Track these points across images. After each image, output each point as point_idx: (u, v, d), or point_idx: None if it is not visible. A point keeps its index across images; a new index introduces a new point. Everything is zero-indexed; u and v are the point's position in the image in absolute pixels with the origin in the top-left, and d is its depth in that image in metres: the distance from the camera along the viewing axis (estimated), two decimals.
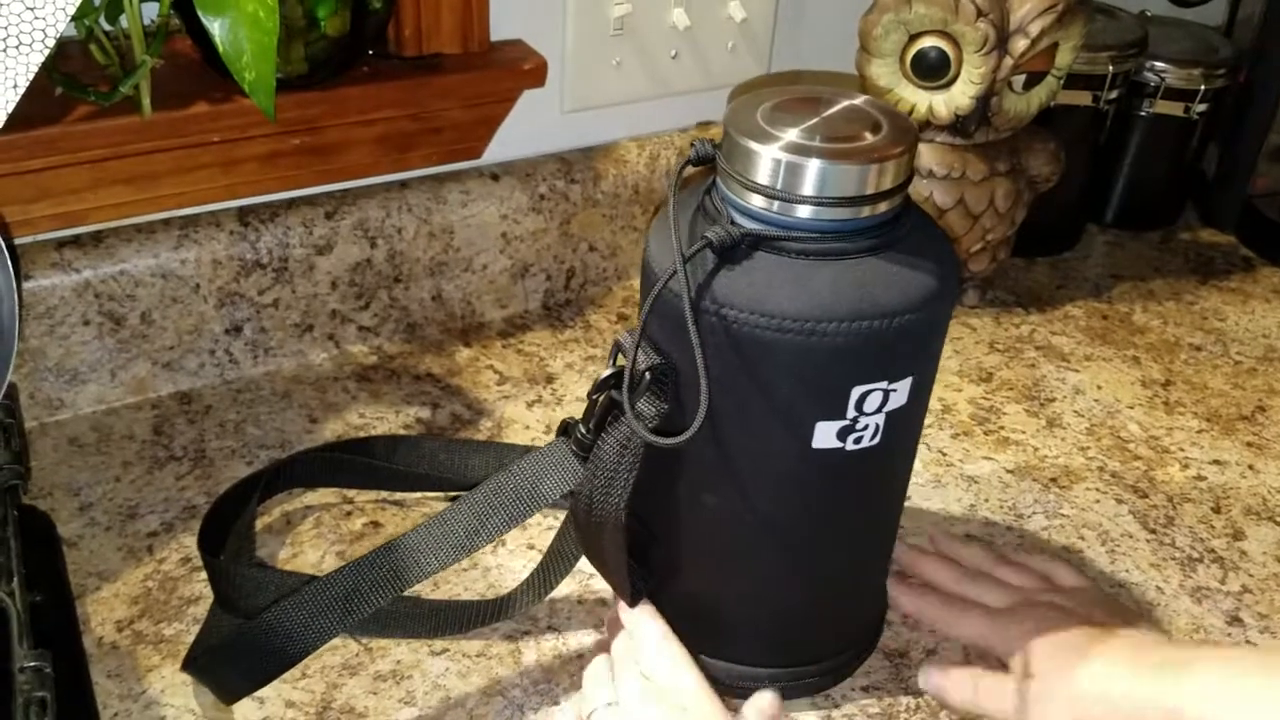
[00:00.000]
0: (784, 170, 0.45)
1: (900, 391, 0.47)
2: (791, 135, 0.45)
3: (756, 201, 0.46)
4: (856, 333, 0.44)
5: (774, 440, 0.48)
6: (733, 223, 0.46)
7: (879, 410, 0.47)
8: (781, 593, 0.54)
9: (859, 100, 0.49)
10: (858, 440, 0.47)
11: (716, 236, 0.45)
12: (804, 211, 0.45)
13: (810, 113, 0.47)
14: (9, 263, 0.48)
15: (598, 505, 0.50)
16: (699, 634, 0.55)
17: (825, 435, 0.47)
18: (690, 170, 0.49)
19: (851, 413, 0.46)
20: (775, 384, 0.46)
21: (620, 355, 0.47)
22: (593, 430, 0.50)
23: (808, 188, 0.45)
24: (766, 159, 0.45)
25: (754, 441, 0.48)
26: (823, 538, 0.52)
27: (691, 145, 0.49)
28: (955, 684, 0.57)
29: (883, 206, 0.46)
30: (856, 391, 0.46)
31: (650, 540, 0.55)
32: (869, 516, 0.53)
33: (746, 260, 0.46)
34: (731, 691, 0.56)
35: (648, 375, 0.47)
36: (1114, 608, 0.59)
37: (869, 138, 0.46)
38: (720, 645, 0.56)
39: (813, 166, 0.44)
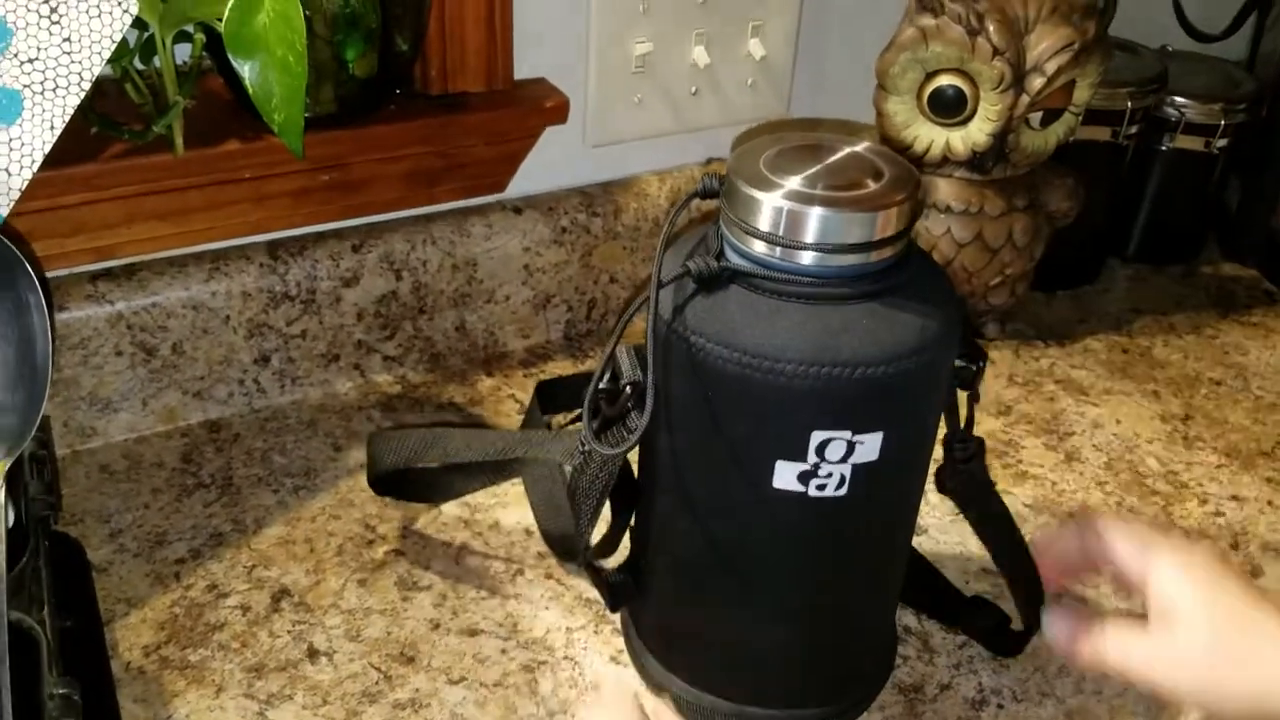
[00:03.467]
0: (782, 217, 0.46)
1: (869, 445, 0.47)
2: (790, 183, 0.46)
3: (753, 244, 0.47)
4: (815, 377, 0.45)
5: (735, 472, 0.48)
6: (720, 257, 0.48)
7: (843, 460, 0.47)
8: (749, 629, 0.54)
9: (861, 147, 0.50)
10: (821, 487, 0.47)
11: (696, 267, 0.47)
12: (801, 256, 0.46)
13: (812, 160, 0.48)
14: (44, 304, 0.50)
15: (579, 501, 0.53)
16: (674, 658, 0.56)
17: (785, 476, 0.47)
18: (695, 202, 0.51)
19: (812, 458, 0.47)
20: (737, 417, 0.47)
21: (613, 370, 0.49)
22: (586, 437, 0.52)
23: (805, 234, 0.45)
24: (766, 205, 0.46)
25: (716, 471, 0.49)
26: (789, 579, 0.52)
27: (701, 179, 0.50)
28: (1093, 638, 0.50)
29: (873, 255, 0.46)
30: (817, 436, 0.46)
31: (640, 556, 0.57)
32: (845, 565, 0.52)
33: (723, 293, 0.47)
34: None
35: (628, 389, 0.49)
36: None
37: (870, 185, 0.47)
38: (698, 676, 0.56)
39: (812, 214, 0.45)
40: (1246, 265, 1.02)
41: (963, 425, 0.54)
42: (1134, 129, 0.91)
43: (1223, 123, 0.94)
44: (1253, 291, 0.99)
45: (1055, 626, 0.52)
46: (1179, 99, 0.94)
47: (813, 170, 0.47)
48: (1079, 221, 0.87)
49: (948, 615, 0.64)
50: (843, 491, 0.48)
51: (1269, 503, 0.74)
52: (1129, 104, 0.89)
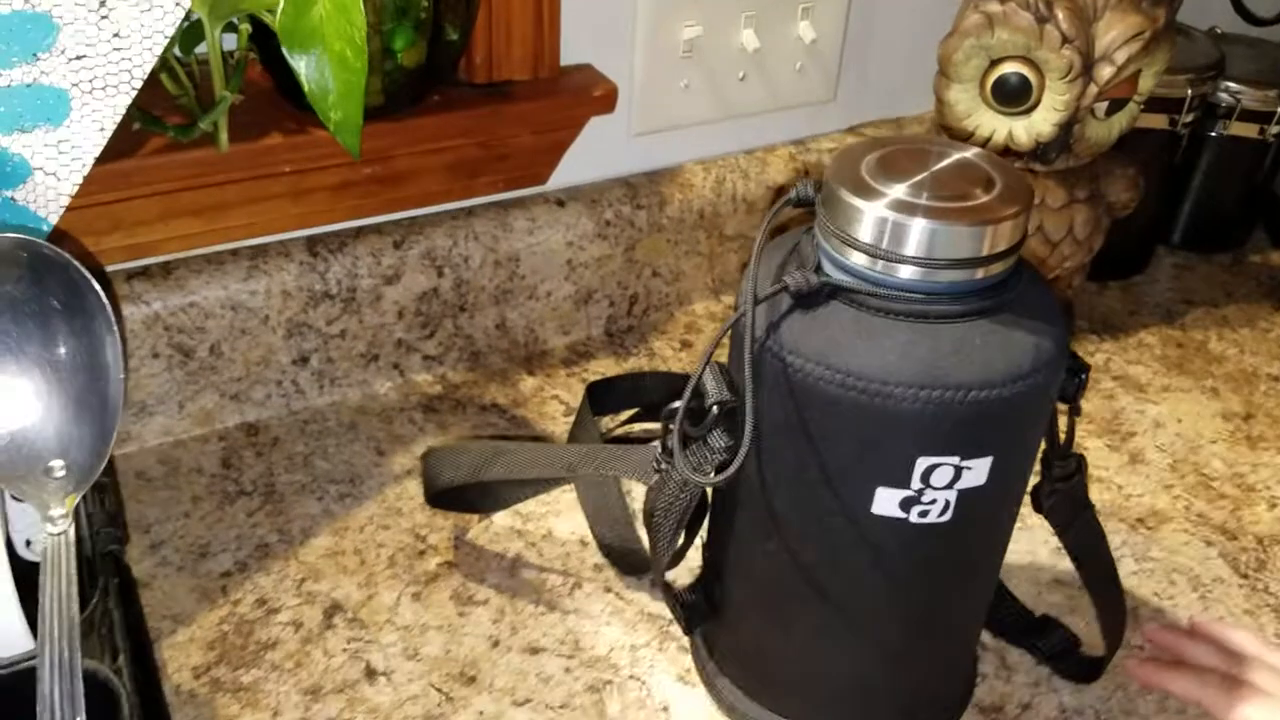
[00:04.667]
0: (886, 229, 0.43)
1: (977, 471, 0.44)
2: (895, 191, 0.44)
3: (853, 256, 0.44)
4: (925, 401, 0.42)
5: (831, 498, 0.46)
6: (818, 270, 0.45)
7: (949, 486, 0.45)
8: (835, 656, 0.52)
9: (970, 153, 0.47)
10: (924, 514, 0.45)
11: (794, 282, 0.44)
12: (901, 270, 0.43)
13: (918, 168, 0.45)
14: (116, 332, 0.47)
15: (657, 523, 0.50)
16: (751, 682, 0.54)
17: (887, 503, 0.45)
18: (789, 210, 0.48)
19: (917, 484, 0.44)
20: (835, 441, 0.45)
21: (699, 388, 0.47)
22: (663, 454, 0.49)
23: (908, 247, 0.43)
24: (868, 215, 0.43)
25: (809, 495, 0.46)
26: (885, 607, 0.49)
27: (795, 187, 0.47)
28: None
29: (984, 271, 0.44)
30: (922, 463, 0.44)
31: (716, 576, 0.54)
32: (941, 593, 0.50)
33: (823, 309, 0.44)
34: None
35: (715, 410, 0.46)
36: None
37: (980, 196, 0.44)
38: (777, 701, 0.54)
39: (917, 226, 0.42)
40: None
41: (1062, 441, 0.51)
42: (1191, 116, 0.89)
43: (1278, 110, 0.91)
44: None
45: None
46: (1234, 85, 0.92)
47: (918, 178, 0.44)
48: (1133, 211, 0.85)
49: (1016, 635, 0.61)
50: (946, 518, 0.45)
51: None
52: (1189, 91, 0.86)
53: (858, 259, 0.44)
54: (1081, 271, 0.84)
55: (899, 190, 0.44)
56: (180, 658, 0.59)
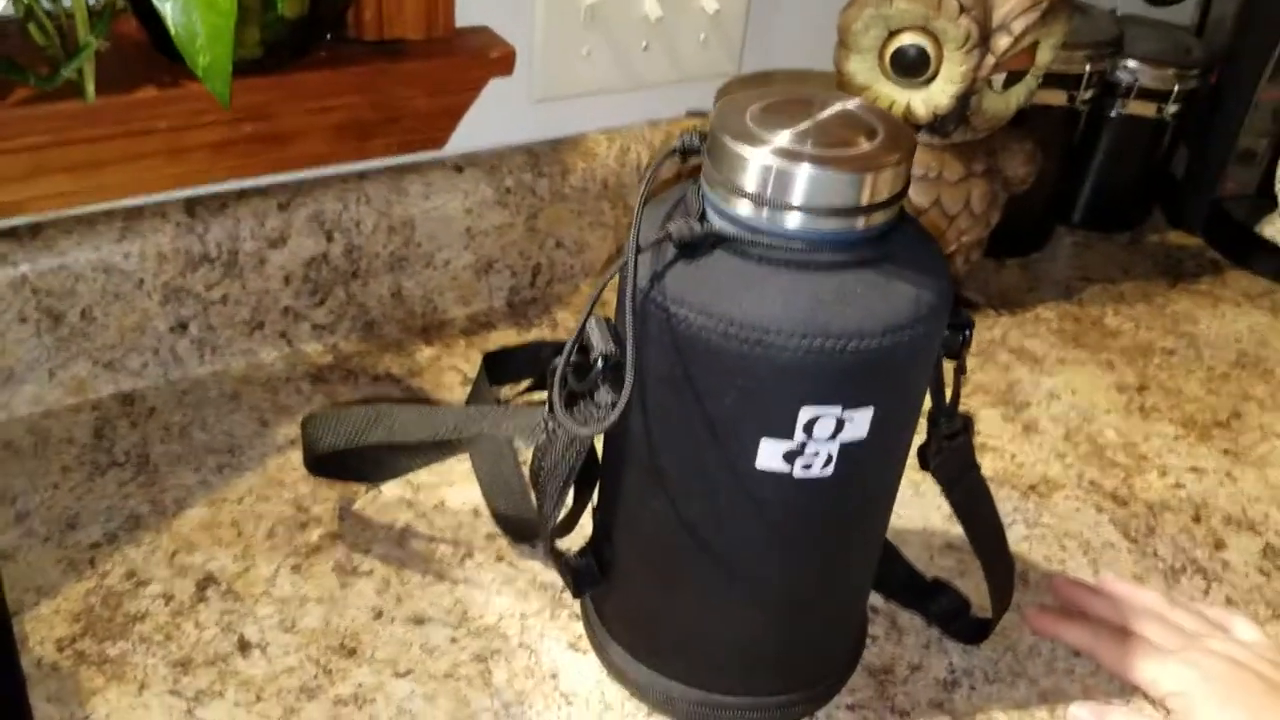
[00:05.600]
0: (770, 176, 0.42)
1: (858, 422, 0.44)
2: (779, 139, 0.43)
3: (738, 205, 0.43)
4: (806, 349, 0.41)
5: (715, 451, 0.45)
6: (703, 219, 0.44)
7: (831, 438, 0.44)
8: (722, 616, 0.51)
9: (853, 104, 0.46)
10: (806, 466, 0.45)
11: (677, 231, 0.43)
12: (785, 219, 0.42)
13: (802, 116, 0.44)
14: None
15: (543, 482, 0.49)
16: (640, 646, 0.53)
17: (770, 456, 0.44)
18: (673, 163, 0.47)
19: (799, 436, 0.44)
20: (719, 392, 0.43)
21: (583, 342, 0.45)
22: (550, 413, 0.48)
23: (791, 195, 0.42)
24: (752, 163, 0.42)
25: (694, 449, 0.45)
26: (770, 564, 0.48)
27: (680, 136, 0.46)
28: None
29: (867, 220, 0.43)
30: (805, 414, 0.43)
31: (605, 538, 0.53)
32: (828, 549, 0.49)
33: (707, 259, 0.43)
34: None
35: (600, 364, 0.45)
36: None
37: (864, 144, 0.43)
38: (665, 663, 0.53)
39: (800, 172, 0.41)
40: (1192, 233, 1.02)
41: (949, 400, 0.51)
42: (1089, 93, 0.90)
43: (1176, 88, 0.93)
44: (1199, 260, 0.98)
45: (1081, 716, 0.56)
46: (1132, 63, 0.93)
47: (803, 126, 0.43)
48: (1032, 188, 0.86)
49: (906, 597, 0.61)
50: (828, 471, 0.45)
51: (1228, 474, 0.73)
52: (1087, 67, 0.87)
53: (742, 207, 0.43)
54: (979, 246, 0.85)
55: (783, 138, 0.43)
56: (43, 630, 0.56)
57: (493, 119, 0.78)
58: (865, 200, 0.42)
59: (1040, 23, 0.73)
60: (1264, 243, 0.96)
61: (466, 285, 0.81)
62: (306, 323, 0.76)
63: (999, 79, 0.76)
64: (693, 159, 0.46)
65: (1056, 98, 0.89)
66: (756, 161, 0.42)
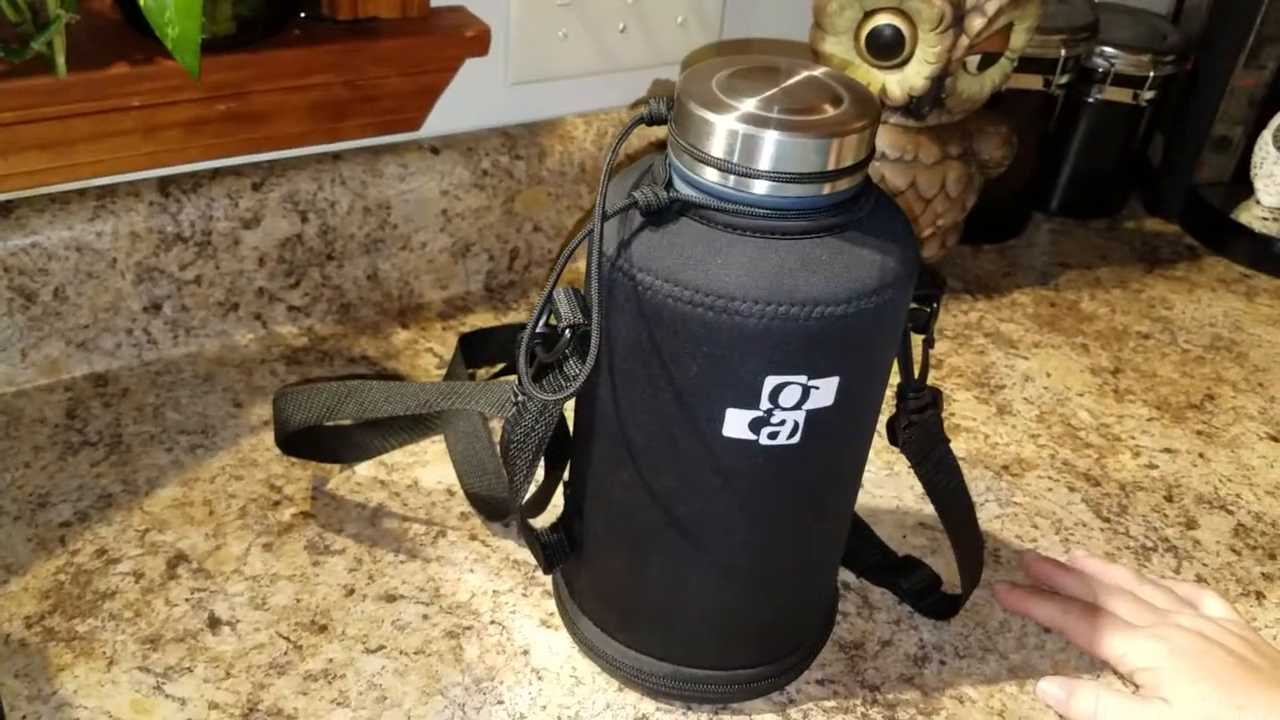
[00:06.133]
0: (736, 142, 0.42)
1: (824, 390, 0.44)
2: (746, 105, 0.43)
3: (704, 172, 0.43)
4: (771, 316, 0.42)
5: (683, 420, 0.45)
6: (669, 187, 0.44)
7: (797, 406, 0.44)
8: (691, 588, 0.51)
9: (819, 71, 0.46)
10: (773, 435, 0.45)
11: (643, 198, 0.43)
12: (752, 186, 0.42)
13: (768, 83, 0.44)
14: None
15: (513, 454, 0.49)
16: (610, 620, 0.54)
17: (737, 424, 0.44)
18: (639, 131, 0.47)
19: (765, 404, 0.44)
20: (685, 360, 0.44)
21: (551, 312, 0.45)
22: (519, 386, 0.48)
23: (757, 161, 0.42)
24: (719, 129, 0.42)
25: (661, 419, 0.46)
26: (738, 534, 0.48)
27: (646, 104, 0.46)
28: (1078, 699, 0.54)
29: (831, 186, 0.43)
30: (771, 381, 0.43)
31: (575, 512, 0.53)
32: (797, 518, 0.49)
33: (672, 226, 0.43)
34: (658, 693, 0.54)
35: (568, 334, 0.45)
36: (1264, 647, 0.56)
37: (829, 110, 0.44)
38: (636, 637, 0.53)
39: (767, 138, 0.42)
40: (1169, 220, 1.02)
41: (917, 374, 0.51)
42: (1065, 78, 0.90)
43: (1151, 74, 0.93)
44: (1175, 246, 0.99)
45: (1050, 690, 0.56)
46: (1108, 49, 0.93)
47: (769, 93, 0.43)
48: (1008, 174, 0.86)
49: (878, 574, 0.61)
50: (795, 440, 0.45)
51: (1200, 455, 0.74)
52: (1062, 52, 0.88)
53: (709, 175, 0.43)
54: (955, 230, 0.85)
55: (750, 104, 0.43)
56: (12, 607, 0.55)
57: (469, 102, 0.78)
58: (829, 166, 0.42)
59: (1013, 4, 0.73)
60: (1240, 229, 0.97)
61: (443, 268, 0.81)
62: (281, 304, 0.76)
63: (974, 61, 0.76)
64: (659, 127, 0.46)
65: (1032, 82, 0.89)
66: (723, 127, 0.42)
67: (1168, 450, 0.74)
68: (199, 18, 0.52)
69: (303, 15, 0.69)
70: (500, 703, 0.53)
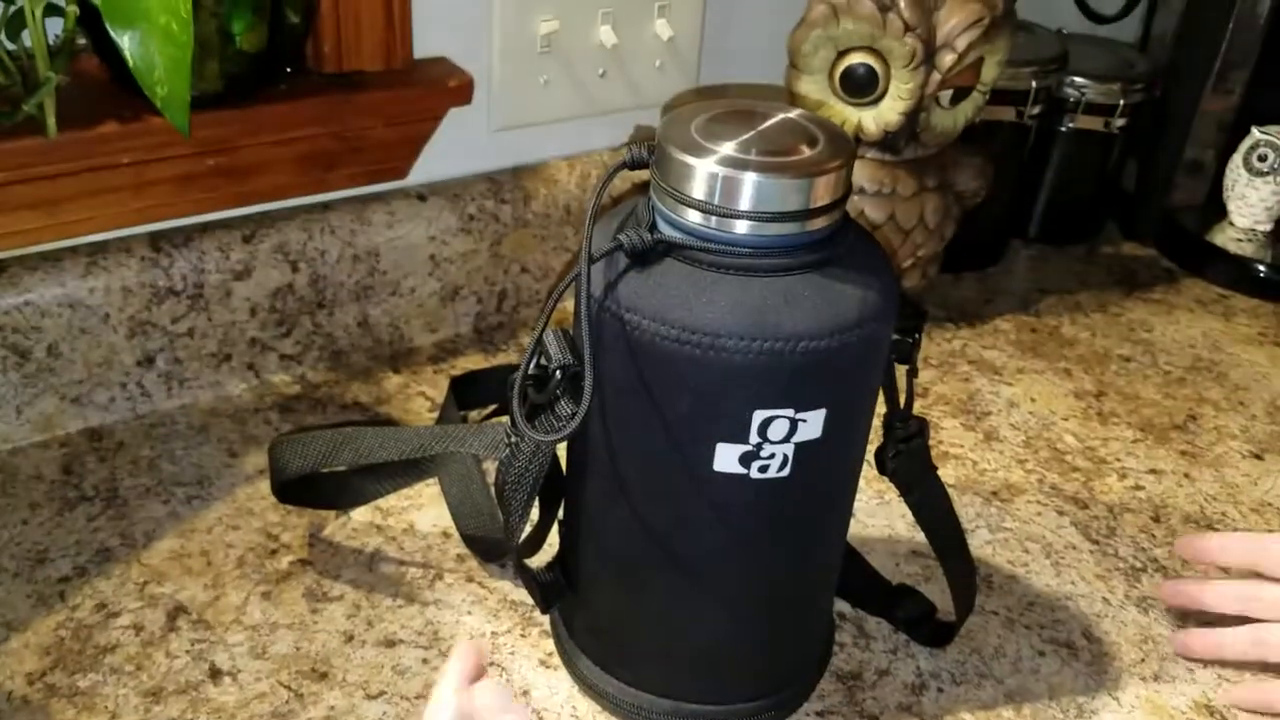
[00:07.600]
0: (716, 184, 0.43)
1: (812, 423, 0.45)
2: (724, 149, 0.44)
3: (687, 214, 0.44)
4: (757, 352, 0.43)
5: (674, 456, 0.46)
6: (653, 229, 0.45)
7: (786, 439, 0.45)
8: (687, 622, 0.51)
9: (794, 113, 0.48)
10: (764, 469, 0.46)
11: (628, 240, 0.44)
12: (733, 226, 0.44)
13: (745, 126, 0.46)
14: None
15: (508, 495, 0.49)
16: (609, 657, 0.54)
17: (727, 459, 0.45)
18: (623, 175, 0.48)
19: (755, 438, 0.45)
20: (675, 397, 0.45)
21: (541, 354, 0.46)
22: (512, 427, 0.49)
23: (737, 201, 0.43)
24: (699, 172, 0.43)
25: (653, 456, 0.47)
26: (733, 567, 0.49)
27: (628, 149, 0.47)
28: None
29: (810, 224, 0.44)
30: (759, 416, 0.44)
31: (570, 551, 0.54)
32: (790, 550, 0.50)
33: (658, 267, 0.45)
34: None
35: (559, 375, 0.46)
36: None
37: (805, 151, 0.45)
38: (634, 673, 0.54)
39: (746, 180, 0.43)
40: (1145, 244, 1.04)
41: (903, 404, 0.52)
42: (1037, 109, 0.92)
43: (1121, 102, 0.95)
44: (1153, 269, 1.00)
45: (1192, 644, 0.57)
46: (1079, 79, 0.95)
47: (746, 136, 0.45)
48: (986, 203, 0.87)
49: (873, 603, 0.62)
50: (785, 472, 0.46)
51: (1186, 475, 0.75)
52: (1033, 83, 0.89)
53: (691, 216, 0.44)
54: (936, 260, 0.86)
55: (728, 148, 0.44)
56: (13, 665, 0.56)
57: (454, 148, 0.80)
58: (808, 204, 0.43)
59: (983, 39, 0.75)
60: (1215, 250, 0.99)
61: (433, 312, 0.82)
62: (274, 353, 0.76)
63: (946, 95, 0.78)
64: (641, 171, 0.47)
65: (1005, 114, 0.91)
66: (703, 170, 0.43)
67: (1153, 471, 0.75)
68: (188, 76, 0.53)
69: (289, 70, 0.70)
70: None
